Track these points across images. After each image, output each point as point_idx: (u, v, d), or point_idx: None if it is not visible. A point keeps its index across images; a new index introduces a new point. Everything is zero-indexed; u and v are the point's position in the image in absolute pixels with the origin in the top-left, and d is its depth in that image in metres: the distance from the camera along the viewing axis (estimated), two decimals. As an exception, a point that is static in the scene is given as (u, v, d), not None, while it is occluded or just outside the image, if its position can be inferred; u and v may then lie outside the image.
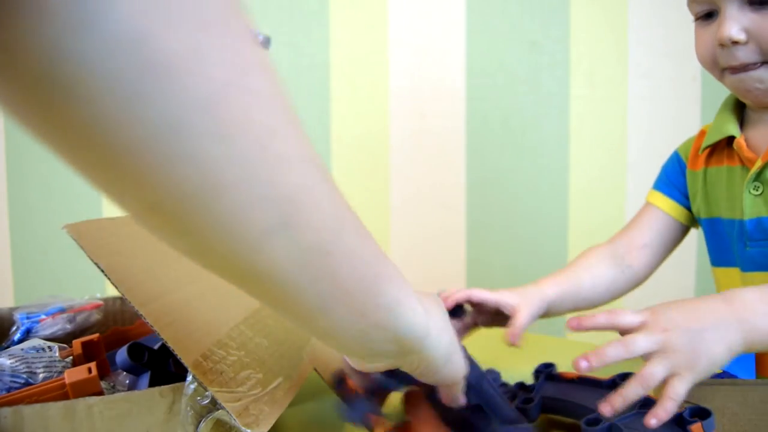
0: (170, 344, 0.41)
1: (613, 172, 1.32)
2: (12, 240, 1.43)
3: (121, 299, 0.69)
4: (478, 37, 1.32)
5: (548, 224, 1.35)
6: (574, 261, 0.74)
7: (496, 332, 0.78)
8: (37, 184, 1.42)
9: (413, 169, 1.37)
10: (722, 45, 0.58)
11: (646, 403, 0.47)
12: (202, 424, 0.43)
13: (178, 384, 0.42)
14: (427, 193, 1.37)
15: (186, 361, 0.41)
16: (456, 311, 0.62)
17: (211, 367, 0.43)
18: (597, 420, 0.45)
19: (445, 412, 0.45)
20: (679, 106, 1.29)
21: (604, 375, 0.52)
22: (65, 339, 0.61)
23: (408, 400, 0.47)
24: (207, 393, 0.42)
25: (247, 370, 0.47)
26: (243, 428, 0.42)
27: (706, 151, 0.68)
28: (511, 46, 1.32)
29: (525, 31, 1.31)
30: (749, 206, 0.62)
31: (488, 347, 0.63)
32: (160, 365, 0.56)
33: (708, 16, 0.60)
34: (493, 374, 0.62)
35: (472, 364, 0.46)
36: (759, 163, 0.61)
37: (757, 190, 0.62)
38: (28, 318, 0.61)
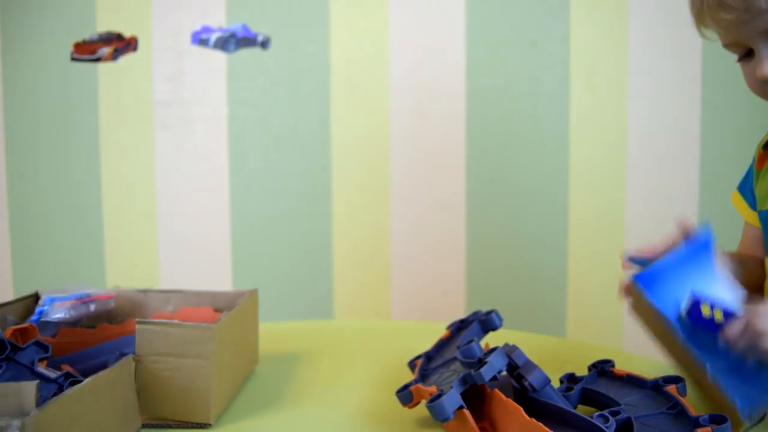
0: None
1: (613, 172, 1.32)
2: (12, 239, 1.42)
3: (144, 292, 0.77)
4: (478, 37, 1.33)
5: (548, 224, 1.35)
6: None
7: (514, 336, 0.78)
8: (37, 184, 1.42)
9: (413, 169, 1.37)
10: (764, 81, 0.62)
11: (673, 406, 0.49)
12: None
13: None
14: (427, 193, 1.37)
15: None
16: (489, 322, 0.64)
17: None
18: (617, 413, 0.46)
19: (530, 407, 0.46)
20: (679, 106, 1.29)
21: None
22: (73, 324, 0.68)
23: (493, 397, 0.49)
24: None
25: None
26: None
27: None
28: (511, 46, 1.32)
29: (525, 31, 1.31)
30: None
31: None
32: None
33: (747, 54, 0.64)
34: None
35: (537, 369, 0.48)
36: None
37: None
38: (52, 301, 0.68)
